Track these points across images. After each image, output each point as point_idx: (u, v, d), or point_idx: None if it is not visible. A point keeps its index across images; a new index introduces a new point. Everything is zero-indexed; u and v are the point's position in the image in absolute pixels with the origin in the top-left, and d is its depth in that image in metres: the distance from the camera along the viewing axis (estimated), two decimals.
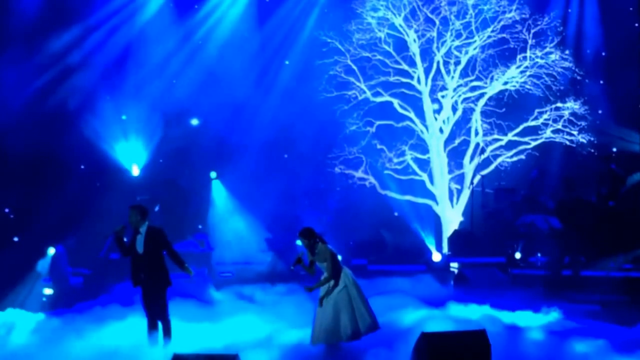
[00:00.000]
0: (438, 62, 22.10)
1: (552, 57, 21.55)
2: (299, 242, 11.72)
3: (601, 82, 23.24)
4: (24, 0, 20.61)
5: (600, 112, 22.68)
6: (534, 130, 21.87)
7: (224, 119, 23.61)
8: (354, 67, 22.19)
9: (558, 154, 22.26)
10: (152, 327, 11.66)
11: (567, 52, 21.79)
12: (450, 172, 22.38)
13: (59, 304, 16.37)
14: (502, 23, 21.68)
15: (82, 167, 20.53)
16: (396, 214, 23.00)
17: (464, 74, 22.12)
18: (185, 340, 11.95)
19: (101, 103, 22.07)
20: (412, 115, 22.35)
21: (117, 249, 11.98)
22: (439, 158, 22.29)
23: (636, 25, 23.13)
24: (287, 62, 24.07)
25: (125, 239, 11.71)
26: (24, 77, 20.38)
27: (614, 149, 22.38)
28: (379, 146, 22.33)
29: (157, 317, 11.65)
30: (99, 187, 20.94)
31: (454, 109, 22.32)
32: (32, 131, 19.71)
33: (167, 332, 11.64)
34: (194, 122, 23.67)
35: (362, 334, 11.37)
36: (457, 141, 22.39)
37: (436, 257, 21.47)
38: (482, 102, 22.12)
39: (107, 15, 22.06)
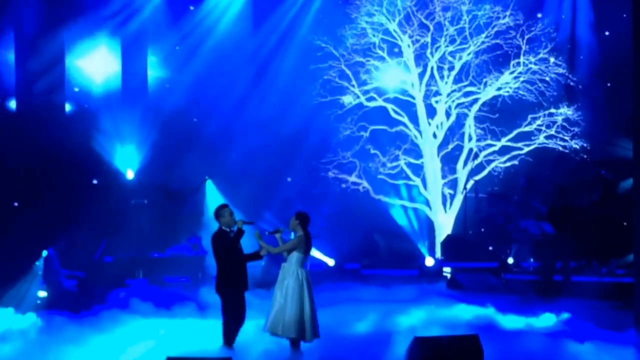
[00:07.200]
0: (432, 68, 22.15)
1: (546, 63, 21.63)
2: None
3: (595, 87, 23.29)
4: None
5: (593, 118, 22.72)
6: (527, 136, 21.93)
7: (217, 123, 23.66)
8: (348, 71, 22.25)
9: (551, 160, 22.28)
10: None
11: (560, 58, 21.87)
12: (443, 177, 22.41)
13: (52, 306, 16.32)
14: (495, 29, 21.71)
15: (77, 170, 20.46)
16: (389, 218, 23.06)
17: (457, 79, 22.16)
18: (179, 343, 11.99)
19: (95, 105, 22.05)
20: (405, 120, 22.40)
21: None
22: (432, 163, 22.34)
23: (631, 30, 23.13)
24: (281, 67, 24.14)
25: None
26: (17, 76, 20.30)
27: (606, 155, 22.41)
28: (372, 151, 22.36)
29: None
30: (93, 191, 20.89)
31: (448, 114, 22.36)
32: (25, 132, 19.64)
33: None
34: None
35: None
36: (450, 146, 22.43)
37: (429, 261, 21.52)
38: (475, 107, 22.17)
39: (103, 17, 22.03)
